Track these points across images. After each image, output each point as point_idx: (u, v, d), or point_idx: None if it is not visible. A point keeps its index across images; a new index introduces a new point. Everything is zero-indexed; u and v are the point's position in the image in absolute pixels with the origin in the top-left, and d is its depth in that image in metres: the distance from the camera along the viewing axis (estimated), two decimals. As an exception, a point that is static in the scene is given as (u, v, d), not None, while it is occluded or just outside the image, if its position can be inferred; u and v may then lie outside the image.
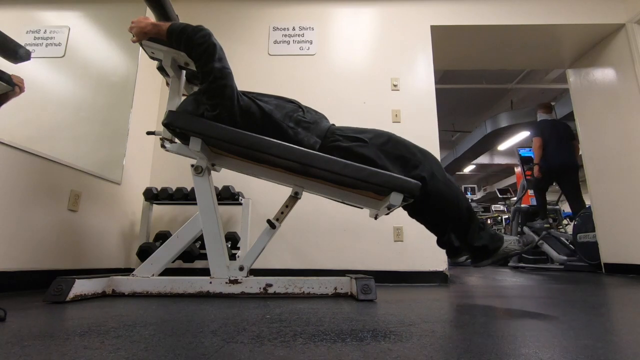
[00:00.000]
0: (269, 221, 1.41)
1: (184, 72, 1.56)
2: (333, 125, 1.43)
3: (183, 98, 1.54)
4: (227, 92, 1.29)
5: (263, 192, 2.33)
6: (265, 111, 1.33)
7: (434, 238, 2.24)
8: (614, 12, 2.76)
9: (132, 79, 2.30)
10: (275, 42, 2.69)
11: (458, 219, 1.29)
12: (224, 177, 2.22)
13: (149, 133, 1.62)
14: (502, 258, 1.30)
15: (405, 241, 2.26)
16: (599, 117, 2.99)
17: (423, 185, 1.25)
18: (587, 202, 3.31)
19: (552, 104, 4.25)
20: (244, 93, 1.37)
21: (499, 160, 9.85)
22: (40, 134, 1.65)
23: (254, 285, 1.36)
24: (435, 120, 2.49)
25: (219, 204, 1.65)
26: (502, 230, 7.26)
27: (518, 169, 4.52)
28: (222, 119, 1.30)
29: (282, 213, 1.44)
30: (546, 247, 3.78)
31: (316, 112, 1.46)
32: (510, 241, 1.30)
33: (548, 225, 3.90)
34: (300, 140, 1.32)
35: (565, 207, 4.05)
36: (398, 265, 2.21)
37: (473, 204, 6.62)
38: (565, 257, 3.58)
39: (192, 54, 1.29)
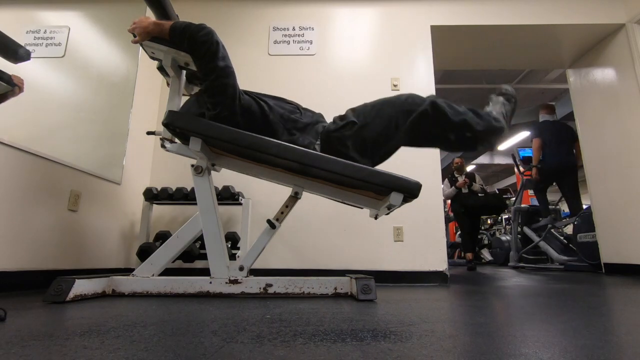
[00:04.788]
0: (269, 221, 1.41)
1: (184, 72, 1.56)
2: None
3: (183, 98, 1.55)
4: (229, 91, 1.29)
5: (263, 192, 2.33)
6: (265, 111, 1.33)
7: (434, 238, 2.26)
8: (614, 12, 2.76)
9: (132, 79, 2.30)
10: (276, 42, 2.69)
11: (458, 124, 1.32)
12: (224, 177, 2.22)
13: (149, 133, 1.62)
14: (502, 124, 1.35)
15: (405, 241, 2.26)
16: (599, 117, 2.99)
17: (435, 106, 1.29)
18: (587, 202, 3.30)
19: (552, 103, 4.25)
20: (245, 92, 1.37)
21: (499, 160, 9.85)
22: (41, 134, 1.65)
23: (254, 285, 1.36)
24: (435, 120, 2.48)
25: (219, 204, 1.65)
26: (503, 231, 7.22)
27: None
28: (223, 117, 1.30)
29: (282, 213, 1.44)
30: (547, 247, 3.78)
31: (314, 113, 1.47)
32: (496, 103, 1.37)
33: (552, 217, 3.85)
34: (295, 141, 1.33)
35: (565, 208, 4.04)
36: (398, 265, 2.21)
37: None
38: (565, 257, 3.58)
39: (194, 52, 1.29)
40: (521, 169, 4.23)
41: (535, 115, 5.07)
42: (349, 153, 1.31)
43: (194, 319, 0.90)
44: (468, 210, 4.08)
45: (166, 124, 1.34)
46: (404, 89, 2.54)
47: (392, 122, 1.31)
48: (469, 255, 3.91)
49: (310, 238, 2.30)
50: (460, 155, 4.73)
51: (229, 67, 1.30)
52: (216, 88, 1.28)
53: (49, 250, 1.63)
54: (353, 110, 1.37)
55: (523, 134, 7.04)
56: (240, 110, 1.31)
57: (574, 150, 3.60)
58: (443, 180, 3.91)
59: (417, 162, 2.38)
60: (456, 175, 4.30)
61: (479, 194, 4.15)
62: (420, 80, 2.57)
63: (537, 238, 3.86)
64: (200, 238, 1.75)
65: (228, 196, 2.06)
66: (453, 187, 4.16)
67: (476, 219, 4.28)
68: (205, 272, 1.40)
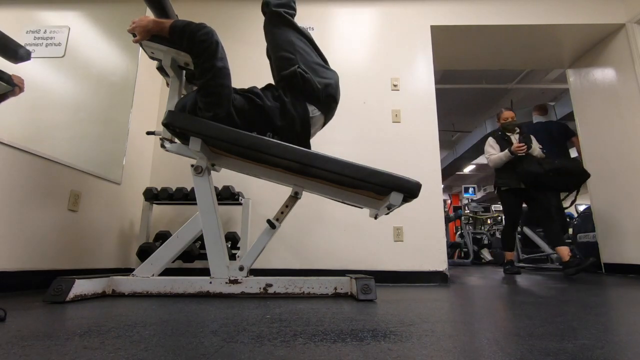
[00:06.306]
0: (269, 221, 1.41)
1: (183, 72, 1.56)
2: None
3: (183, 98, 1.55)
4: (224, 92, 1.29)
5: (263, 192, 2.33)
6: (256, 102, 1.35)
7: (434, 238, 2.26)
8: (614, 12, 2.77)
9: (132, 79, 2.30)
10: (275, 42, 2.68)
11: None
12: (224, 177, 2.22)
13: (149, 133, 1.62)
14: None
15: (405, 241, 2.26)
16: (599, 117, 2.99)
17: None
18: (587, 202, 3.30)
19: (552, 103, 4.23)
20: (235, 91, 1.37)
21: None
22: (41, 134, 1.65)
23: (254, 285, 1.36)
24: (435, 120, 2.49)
25: (219, 204, 1.65)
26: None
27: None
28: (221, 119, 1.31)
29: (282, 213, 1.44)
30: (540, 242, 3.78)
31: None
32: None
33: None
34: (292, 118, 1.38)
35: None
36: (398, 265, 2.21)
37: (473, 204, 6.50)
38: (552, 251, 3.60)
39: (193, 50, 1.29)
40: None
41: (531, 117, 5.07)
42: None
43: (194, 319, 0.90)
44: (534, 184, 2.70)
45: (166, 124, 1.34)
46: (404, 89, 2.55)
47: None
48: (567, 251, 2.47)
49: (310, 238, 2.30)
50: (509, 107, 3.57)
51: (227, 68, 1.31)
52: (212, 88, 1.28)
53: (48, 250, 1.63)
54: None
55: (523, 134, 7.03)
56: (236, 111, 1.32)
57: (573, 147, 3.56)
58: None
59: (417, 162, 2.38)
60: (508, 135, 2.98)
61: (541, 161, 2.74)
62: (420, 80, 2.57)
63: (536, 237, 3.86)
64: (200, 238, 1.75)
65: (228, 196, 2.06)
66: (507, 150, 2.77)
67: (542, 196, 2.75)
68: (205, 272, 1.40)
